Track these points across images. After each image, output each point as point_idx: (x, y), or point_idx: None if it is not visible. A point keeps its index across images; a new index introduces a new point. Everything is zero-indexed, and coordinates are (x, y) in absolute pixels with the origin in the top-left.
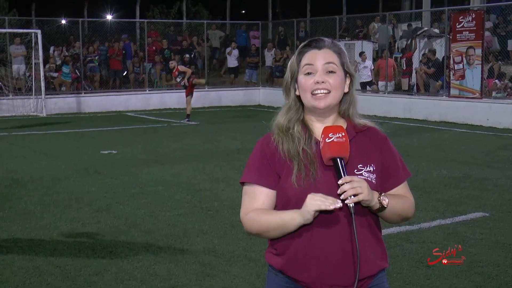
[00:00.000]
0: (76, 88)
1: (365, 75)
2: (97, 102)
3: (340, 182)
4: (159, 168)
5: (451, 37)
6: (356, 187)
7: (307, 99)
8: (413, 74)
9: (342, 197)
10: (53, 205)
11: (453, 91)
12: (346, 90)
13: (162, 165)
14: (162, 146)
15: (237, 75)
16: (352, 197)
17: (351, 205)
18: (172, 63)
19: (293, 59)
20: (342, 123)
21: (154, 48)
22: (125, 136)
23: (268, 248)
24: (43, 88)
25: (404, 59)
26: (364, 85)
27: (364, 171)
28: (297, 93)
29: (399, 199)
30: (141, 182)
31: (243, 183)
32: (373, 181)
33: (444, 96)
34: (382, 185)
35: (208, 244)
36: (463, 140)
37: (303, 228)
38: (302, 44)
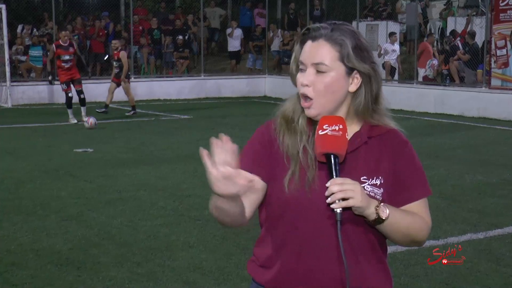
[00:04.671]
0: (48, 74)
1: (393, 60)
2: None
3: (328, 184)
4: (142, 170)
5: (492, 17)
6: (346, 189)
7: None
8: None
9: (328, 200)
10: (14, 212)
11: (495, 82)
12: (352, 89)
13: (146, 166)
14: (148, 144)
15: (239, 61)
16: (341, 201)
17: (338, 211)
18: (116, 44)
19: (296, 46)
20: (356, 122)
21: (141, 28)
22: (105, 131)
23: (252, 257)
24: (8, 74)
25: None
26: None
27: (368, 184)
28: None
29: (407, 215)
30: (119, 186)
31: None
32: (378, 196)
33: (483, 88)
34: (393, 199)
35: (194, 260)
36: (504, 140)
37: (291, 238)
38: (303, 30)
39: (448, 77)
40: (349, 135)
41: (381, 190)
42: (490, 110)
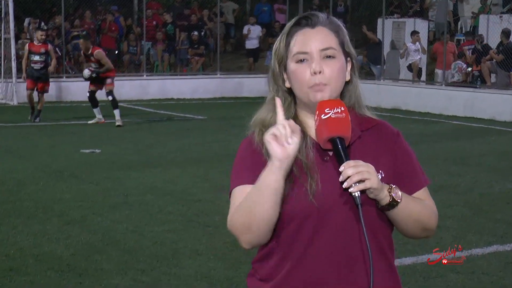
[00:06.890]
0: (57, 71)
1: (418, 61)
2: (82, 88)
3: (341, 168)
4: (150, 173)
5: None
6: (362, 171)
7: (302, 92)
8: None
9: (345, 184)
10: (14, 215)
11: None
12: (347, 78)
13: (154, 169)
14: (157, 146)
15: (257, 59)
16: (358, 184)
17: (356, 195)
18: (43, 35)
19: (278, 42)
20: None
21: (154, 23)
22: (114, 132)
23: (251, 271)
24: (14, 70)
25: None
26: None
27: None
28: (287, 84)
29: (416, 200)
30: (126, 189)
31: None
32: None
33: None
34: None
35: (202, 268)
36: None
37: (292, 243)
38: (290, 22)
39: (479, 79)
40: None
41: None
42: None
